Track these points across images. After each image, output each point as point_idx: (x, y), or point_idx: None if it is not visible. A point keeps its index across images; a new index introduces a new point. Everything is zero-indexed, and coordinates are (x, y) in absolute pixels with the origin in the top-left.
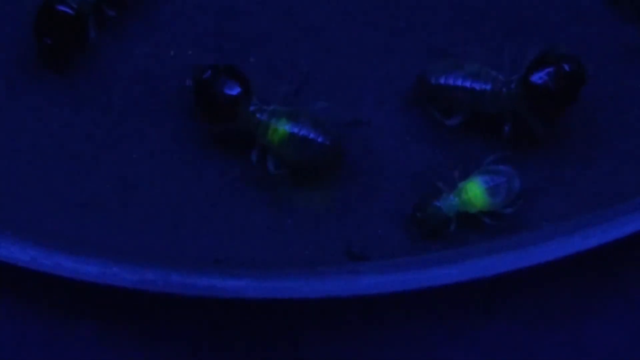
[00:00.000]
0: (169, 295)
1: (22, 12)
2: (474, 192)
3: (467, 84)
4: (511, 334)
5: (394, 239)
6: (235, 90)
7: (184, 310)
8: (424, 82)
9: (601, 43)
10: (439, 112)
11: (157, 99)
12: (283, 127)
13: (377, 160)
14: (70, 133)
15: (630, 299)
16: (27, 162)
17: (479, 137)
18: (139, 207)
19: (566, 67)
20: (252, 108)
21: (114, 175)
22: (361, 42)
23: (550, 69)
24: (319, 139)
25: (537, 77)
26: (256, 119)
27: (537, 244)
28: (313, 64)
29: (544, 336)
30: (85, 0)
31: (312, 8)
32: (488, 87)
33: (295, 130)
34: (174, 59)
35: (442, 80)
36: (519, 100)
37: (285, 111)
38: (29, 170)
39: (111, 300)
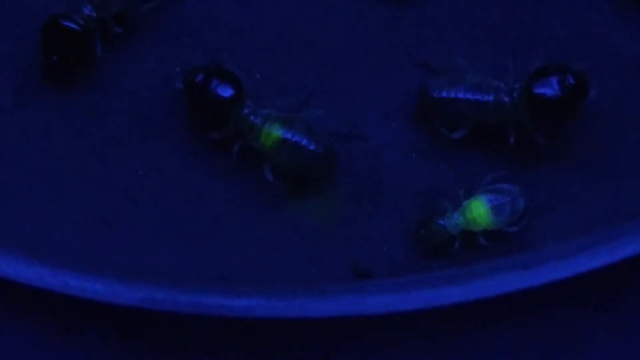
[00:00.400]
0: (176, 314)
1: (29, 27)
2: (478, 211)
3: (470, 95)
4: (516, 353)
5: (399, 256)
6: (227, 92)
7: (190, 327)
8: (426, 96)
9: (607, 59)
10: (443, 125)
11: (163, 115)
12: (276, 132)
13: (382, 177)
14: (75, 149)
15: (637, 319)
16: (33, 178)
17: (484, 154)
18: (145, 224)
19: (569, 78)
20: (246, 111)
21: (119, 192)
22: (366, 58)
23: (552, 78)
24: (311, 147)
25: (539, 86)
26: (249, 121)
27: (542, 264)
28: (318, 80)
29: (549, 356)
30: (91, 16)
31: (317, 24)
32: (490, 97)
33: (288, 135)
34: (179, 74)
35: (444, 94)
36: (522, 110)
37: (280, 116)
38: (34, 186)
39: (117, 318)
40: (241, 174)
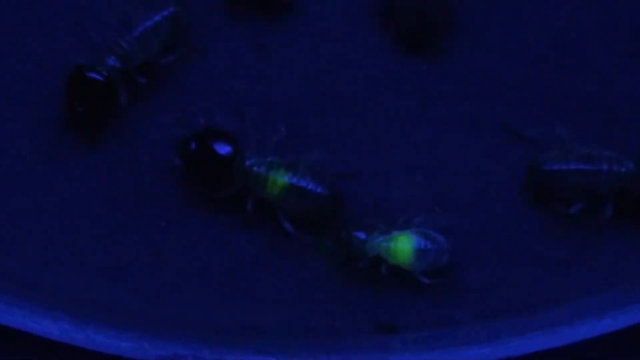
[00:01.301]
0: None
1: (53, 79)
2: (403, 245)
3: (582, 166)
4: None
5: (421, 308)
6: (225, 149)
7: None
8: (537, 170)
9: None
10: (558, 201)
11: None
12: (282, 179)
13: None
14: (98, 200)
15: None
16: (55, 229)
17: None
18: (166, 275)
19: None
20: (249, 162)
21: (141, 243)
22: (392, 111)
23: None
24: (318, 190)
25: None
26: (254, 172)
27: (566, 324)
28: (341, 133)
29: None
30: (115, 67)
31: (343, 76)
32: (604, 167)
33: (294, 180)
34: (203, 125)
35: (555, 166)
36: (633, 182)
37: (284, 162)
38: (56, 237)
39: None
40: (262, 227)
